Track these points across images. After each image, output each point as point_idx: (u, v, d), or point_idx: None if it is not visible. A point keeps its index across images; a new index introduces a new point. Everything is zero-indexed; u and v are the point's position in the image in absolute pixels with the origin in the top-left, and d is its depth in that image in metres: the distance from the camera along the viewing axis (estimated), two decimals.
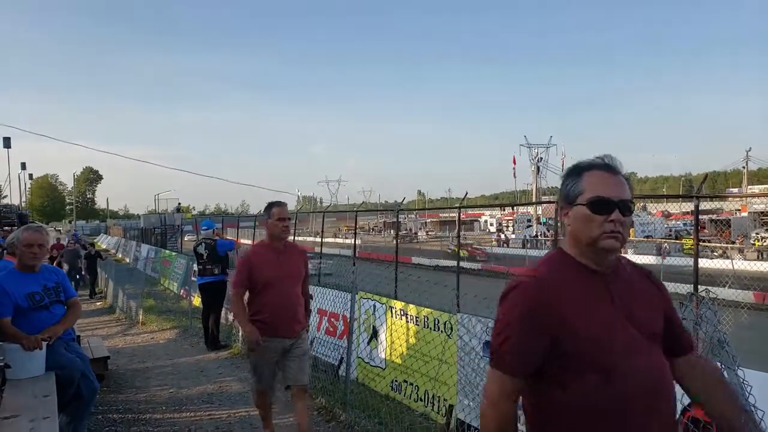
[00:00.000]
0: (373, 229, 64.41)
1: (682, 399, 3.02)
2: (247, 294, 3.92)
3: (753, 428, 2.19)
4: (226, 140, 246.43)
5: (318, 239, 20.63)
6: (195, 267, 9.29)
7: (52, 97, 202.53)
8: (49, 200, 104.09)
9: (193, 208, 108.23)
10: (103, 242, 52.27)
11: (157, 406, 5.48)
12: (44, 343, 3.52)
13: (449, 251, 34.58)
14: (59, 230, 65.01)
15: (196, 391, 6.02)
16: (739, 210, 41.98)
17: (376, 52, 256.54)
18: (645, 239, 34.50)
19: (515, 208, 52.22)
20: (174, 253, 19.01)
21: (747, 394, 2.19)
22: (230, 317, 9.55)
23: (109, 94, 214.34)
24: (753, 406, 2.14)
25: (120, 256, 34.86)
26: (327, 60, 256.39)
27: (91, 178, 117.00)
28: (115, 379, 6.52)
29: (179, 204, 52.20)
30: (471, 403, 5.03)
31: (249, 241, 21.03)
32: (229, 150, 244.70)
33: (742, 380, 2.24)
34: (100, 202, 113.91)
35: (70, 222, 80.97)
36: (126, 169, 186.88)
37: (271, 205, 3.84)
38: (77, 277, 15.54)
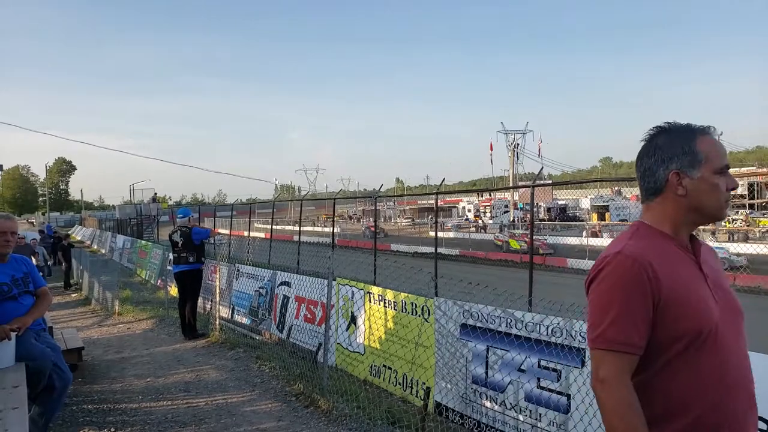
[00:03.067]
0: (351, 217, 64.31)
1: None
2: None
3: None
4: (202, 129, 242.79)
5: (296, 228, 20.51)
6: (170, 256, 9.19)
7: (20, 86, 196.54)
8: (20, 192, 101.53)
9: (170, 198, 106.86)
10: (78, 234, 51.27)
11: (133, 396, 5.43)
12: (13, 334, 3.46)
13: (499, 243, 30.28)
14: (32, 222, 63.60)
15: (173, 380, 5.98)
16: None
17: (353, 39, 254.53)
18: (620, 223, 35.19)
19: (492, 194, 52.65)
20: (150, 244, 18.75)
21: None
22: (207, 306, 9.50)
23: (81, 83, 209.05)
24: None
25: (95, 247, 34.28)
26: (303, 48, 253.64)
27: (63, 168, 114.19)
28: (89, 370, 6.44)
29: (155, 194, 51.28)
30: (448, 385, 5.10)
31: (226, 231, 20.79)
32: (205, 139, 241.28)
33: None
34: (74, 194, 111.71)
35: (43, 214, 79.17)
36: (100, 160, 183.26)
37: (692, 133, 1.54)
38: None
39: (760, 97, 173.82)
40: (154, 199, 48.14)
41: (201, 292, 10.84)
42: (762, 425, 3.07)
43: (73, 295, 14.52)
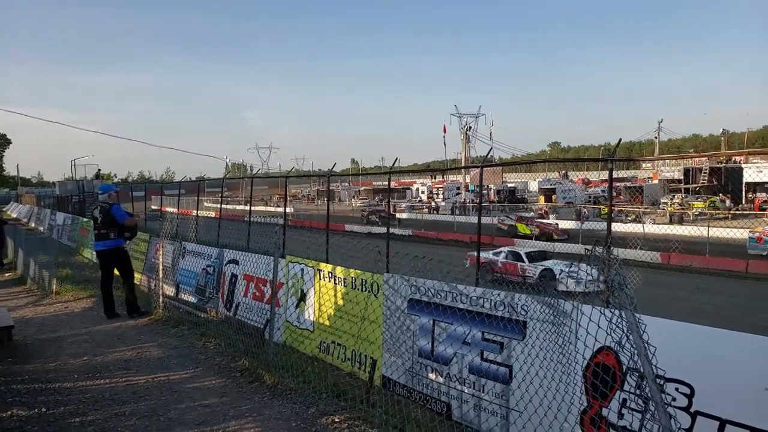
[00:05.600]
0: (306, 197, 63.70)
1: (585, 341, 3.27)
2: None
3: (645, 363, 2.44)
4: (151, 105, 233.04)
5: (247, 207, 20.13)
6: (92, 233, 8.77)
7: None
8: None
9: (115, 174, 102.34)
10: (13, 211, 48.48)
11: (68, 375, 5.22)
12: None
13: (504, 227, 27.60)
14: None
15: (112, 358, 5.79)
16: (651, 178, 45.17)
17: (311, 19, 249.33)
18: (566, 205, 36.37)
19: (445, 176, 53.24)
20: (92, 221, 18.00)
21: (642, 332, 2.46)
22: (152, 284, 9.19)
23: (19, 50, 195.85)
24: (647, 342, 2.43)
25: (33, 225, 32.57)
26: (259, 26, 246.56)
27: None
28: (21, 350, 6.13)
29: (99, 170, 49.08)
30: (393, 358, 5.16)
31: (174, 209, 20.17)
32: (154, 115, 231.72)
33: (638, 319, 2.47)
34: (10, 169, 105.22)
35: None
36: (39, 134, 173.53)
37: None
38: None
39: (696, 88, 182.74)
40: (98, 176, 46.11)
41: (144, 270, 10.51)
42: (684, 389, 3.25)
43: (7, 275, 13.78)
